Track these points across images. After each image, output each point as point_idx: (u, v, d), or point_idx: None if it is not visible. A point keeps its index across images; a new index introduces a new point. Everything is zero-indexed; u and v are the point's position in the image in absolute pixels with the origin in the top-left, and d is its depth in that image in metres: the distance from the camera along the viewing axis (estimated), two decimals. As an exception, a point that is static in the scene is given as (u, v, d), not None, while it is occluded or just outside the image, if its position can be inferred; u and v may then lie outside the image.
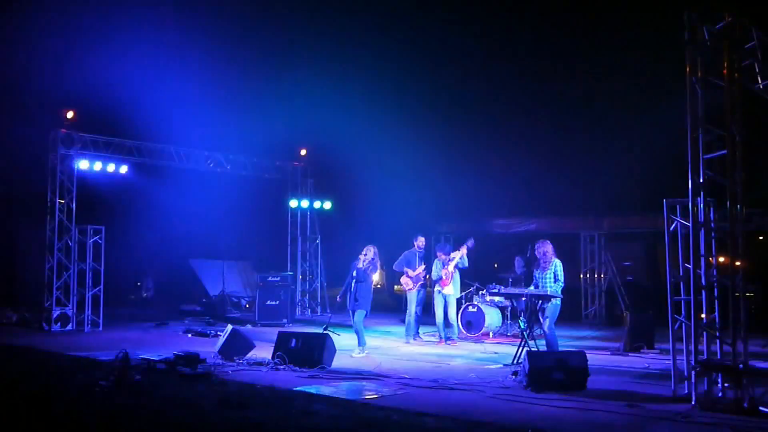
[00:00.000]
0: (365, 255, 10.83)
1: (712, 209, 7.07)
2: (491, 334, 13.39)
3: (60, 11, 16.30)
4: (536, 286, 9.87)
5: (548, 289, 9.68)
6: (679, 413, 6.49)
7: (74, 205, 14.51)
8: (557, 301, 9.66)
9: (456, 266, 12.27)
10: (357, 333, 10.67)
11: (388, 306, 18.23)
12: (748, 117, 7.01)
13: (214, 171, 17.42)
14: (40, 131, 14.81)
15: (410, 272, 12.61)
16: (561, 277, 9.71)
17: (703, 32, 7.01)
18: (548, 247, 9.86)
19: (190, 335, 13.16)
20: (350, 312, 10.83)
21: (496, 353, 10.93)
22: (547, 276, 9.76)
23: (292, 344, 9.33)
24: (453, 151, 19.08)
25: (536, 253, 9.96)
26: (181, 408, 6.74)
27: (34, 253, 15.28)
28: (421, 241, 12.84)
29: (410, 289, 12.63)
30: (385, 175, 20.22)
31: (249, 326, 14.67)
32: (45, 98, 15.83)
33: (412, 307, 12.56)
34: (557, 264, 9.78)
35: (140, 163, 16.00)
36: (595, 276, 17.40)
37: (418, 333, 12.73)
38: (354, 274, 10.79)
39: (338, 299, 11.25)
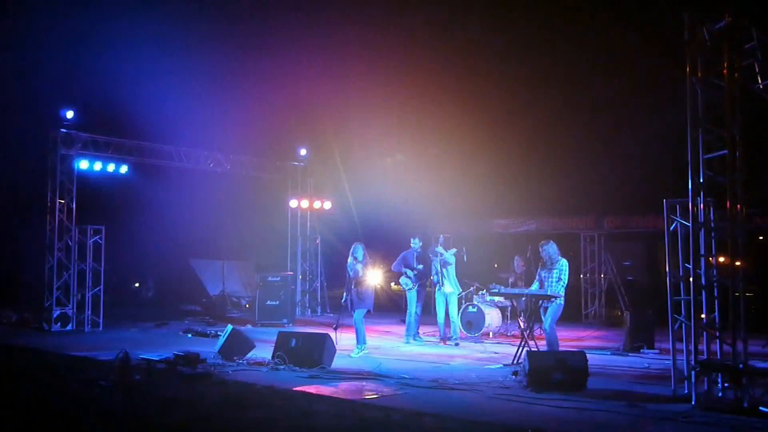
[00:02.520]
0: (357, 255, 10.79)
1: (712, 209, 7.07)
2: (491, 334, 13.39)
3: (60, 11, 16.31)
4: (541, 285, 9.84)
5: (550, 289, 9.68)
6: (679, 413, 6.49)
7: (74, 205, 14.51)
8: (561, 301, 9.65)
9: (443, 263, 12.26)
10: (357, 332, 10.67)
11: (388, 306, 18.23)
12: (748, 117, 7.01)
13: (214, 171, 17.42)
14: (40, 131, 14.82)
15: (408, 273, 12.62)
16: (564, 277, 9.68)
17: (703, 32, 7.01)
18: (553, 248, 9.85)
19: (190, 335, 13.16)
20: (352, 312, 10.84)
21: (496, 353, 10.93)
22: (554, 275, 9.76)
23: (292, 344, 9.33)
24: (453, 150, 19.08)
25: (542, 254, 9.93)
26: (181, 408, 6.74)
27: (34, 253, 15.29)
28: (417, 242, 12.85)
29: (410, 290, 12.65)
30: (385, 175, 20.23)
31: (249, 326, 14.67)
32: (45, 98, 15.84)
33: (413, 307, 12.57)
34: (564, 264, 9.77)
35: (140, 163, 16.00)
36: (595, 276, 17.41)
37: (417, 333, 12.73)
38: (350, 275, 10.77)
39: (342, 303, 11.21)
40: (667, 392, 7.33)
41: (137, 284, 23.20)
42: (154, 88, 16.20)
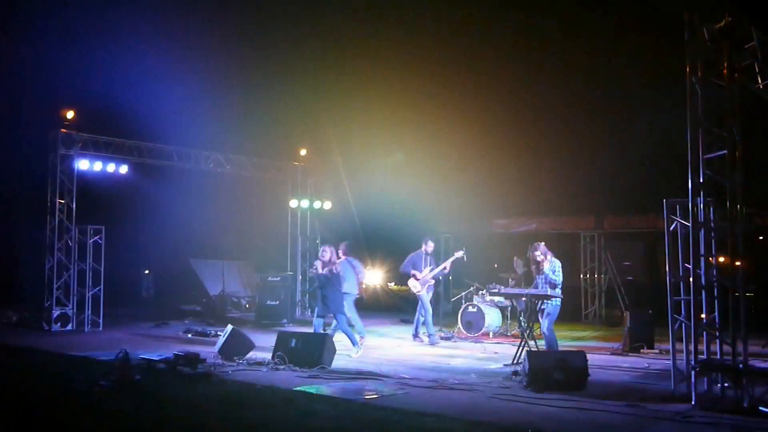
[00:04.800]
0: (323, 258, 10.52)
1: (712, 209, 7.07)
2: (491, 334, 13.39)
3: (60, 12, 16.32)
4: (537, 287, 9.85)
5: (548, 289, 9.67)
6: (679, 413, 6.49)
7: (74, 205, 14.51)
8: (558, 301, 9.64)
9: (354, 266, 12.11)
10: (347, 335, 10.51)
11: (388, 306, 18.22)
12: (748, 117, 7.01)
13: (214, 171, 17.42)
14: (40, 131, 14.82)
15: (417, 275, 12.38)
16: (553, 276, 9.65)
17: (703, 32, 7.01)
18: (541, 249, 9.80)
19: (190, 335, 13.16)
20: (333, 317, 10.65)
21: (496, 353, 10.93)
22: (550, 276, 9.75)
23: (292, 344, 9.33)
24: (453, 151, 19.09)
25: (536, 257, 9.90)
26: (181, 408, 6.74)
27: (34, 253, 15.29)
28: (430, 245, 12.58)
29: (419, 292, 12.37)
30: (385, 175, 20.23)
31: (249, 326, 14.67)
32: (45, 98, 15.85)
33: (429, 308, 12.34)
34: (556, 264, 9.76)
35: (140, 163, 15.99)
36: (595, 276, 17.41)
37: (417, 334, 12.59)
38: (317, 280, 10.56)
39: (307, 298, 11.01)
40: (667, 392, 7.33)
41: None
42: (154, 88, 16.20)
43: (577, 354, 8.09)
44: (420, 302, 12.43)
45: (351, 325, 11.33)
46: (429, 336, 12.25)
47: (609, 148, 17.59)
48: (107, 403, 6.89)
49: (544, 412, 6.58)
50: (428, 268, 12.46)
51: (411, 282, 12.57)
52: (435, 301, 13.11)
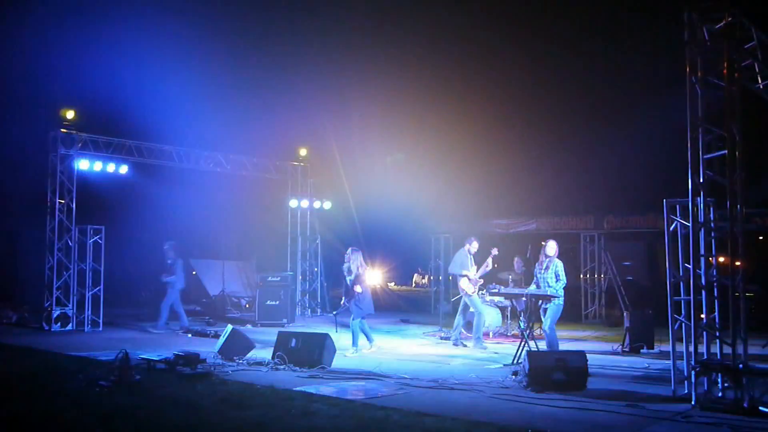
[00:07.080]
0: (352, 261, 10.80)
1: (712, 209, 7.07)
2: (491, 334, 13.38)
3: (60, 12, 16.32)
4: (537, 285, 9.89)
5: (548, 289, 9.71)
6: (679, 413, 6.49)
7: (74, 205, 14.49)
8: (560, 301, 9.66)
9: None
10: (353, 334, 10.60)
11: (388, 306, 18.21)
12: (748, 117, 7.01)
13: (214, 171, 17.41)
14: (40, 131, 14.81)
15: (470, 275, 11.95)
16: (562, 276, 9.76)
17: (703, 32, 7.01)
18: (550, 246, 9.89)
19: (190, 335, 13.16)
20: (357, 317, 10.72)
21: (496, 353, 10.93)
22: (549, 275, 9.80)
23: (292, 344, 9.33)
24: (453, 151, 19.10)
25: (545, 249, 9.95)
26: (181, 408, 6.74)
27: (34, 253, 15.27)
28: (474, 245, 12.16)
29: (473, 293, 11.98)
30: (385, 174, 20.25)
31: (249, 326, 14.67)
32: (45, 98, 15.85)
33: (481, 309, 11.97)
34: (557, 263, 9.82)
35: (140, 163, 15.98)
36: (595, 276, 17.40)
37: (459, 338, 12.03)
38: (349, 281, 10.81)
39: (342, 304, 11.19)
40: (667, 392, 7.34)
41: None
42: (154, 88, 16.22)
43: (577, 354, 8.09)
44: (471, 304, 11.97)
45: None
46: (476, 339, 11.69)
47: (609, 148, 17.61)
48: (107, 403, 6.89)
49: (544, 412, 6.59)
50: (474, 268, 12.05)
51: (464, 283, 11.99)
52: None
